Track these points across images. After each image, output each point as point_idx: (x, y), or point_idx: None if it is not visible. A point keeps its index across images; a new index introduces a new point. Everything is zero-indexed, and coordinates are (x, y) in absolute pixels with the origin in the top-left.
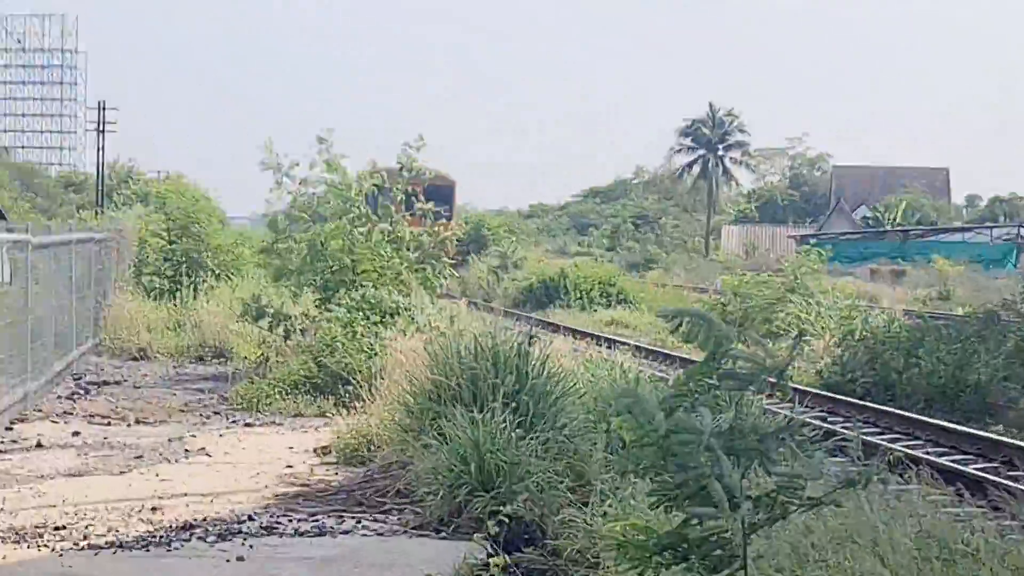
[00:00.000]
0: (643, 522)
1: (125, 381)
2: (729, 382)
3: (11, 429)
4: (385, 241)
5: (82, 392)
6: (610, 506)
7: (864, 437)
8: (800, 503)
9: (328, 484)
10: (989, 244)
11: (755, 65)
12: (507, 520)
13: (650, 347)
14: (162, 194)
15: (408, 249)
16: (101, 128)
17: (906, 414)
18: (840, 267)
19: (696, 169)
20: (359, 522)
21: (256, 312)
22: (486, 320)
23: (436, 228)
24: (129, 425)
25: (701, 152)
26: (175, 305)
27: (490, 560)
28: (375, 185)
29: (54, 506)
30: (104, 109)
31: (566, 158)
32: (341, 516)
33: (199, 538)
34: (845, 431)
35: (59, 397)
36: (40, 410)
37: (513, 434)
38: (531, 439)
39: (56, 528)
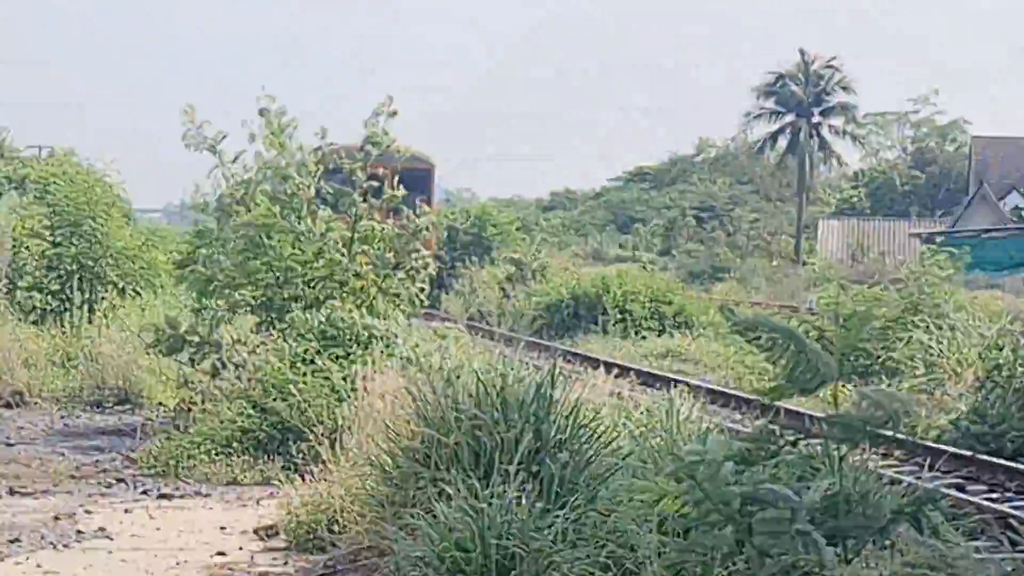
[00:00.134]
0: None
1: None
2: (835, 433)
3: None
4: (351, 239)
5: None
6: None
7: (1017, 513)
8: None
9: None
10: None
11: None
12: None
13: (720, 388)
14: (44, 178)
15: (378, 251)
16: None
17: None
18: (983, 276)
19: (783, 142)
20: None
21: (172, 341)
22: (494, 352)
23: (409, 219)
24: (0, 497)
25: (790, 118)
26: (63, 331)
27: None
28: (330, 167)
29: None
30: None
31: (600, 128)
32: None
33: None
34: (991, 504)
35: None
36: None
37: (532, 511)
38: (557, 518)
39: None
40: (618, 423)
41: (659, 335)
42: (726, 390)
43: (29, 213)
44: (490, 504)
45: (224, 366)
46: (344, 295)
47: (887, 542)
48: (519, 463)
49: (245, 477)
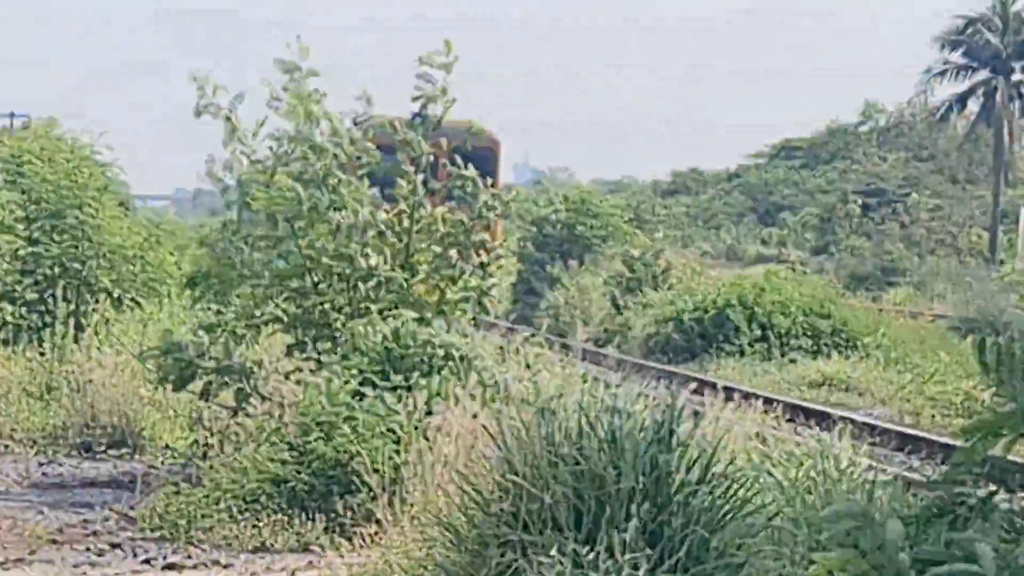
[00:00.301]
0: None
1: None
2: None
3: None
4: (408, 232)
5: None
6: None
7: None
8: None
9: None
10: None
11: None
12: None
13: (892, 426)
14: (16, 156)
15: (442, 246)
16: None
17: None
18: None
19: (973, 106)
20: None
21: (183, 369)
22: (599, 379)
23: (474, 197)
24: None
25: (983, 76)
26: (41, 354)
27: None
28: (374, 143)
29: None
30: None
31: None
32: None
33: None
34: None
35: None
36: None
37: None
38: None
39: None
40: (760, 472)
41: (813, 357)
42: (901, 428)
43: None
44: None
45: (249, 398)
46: (404, 303)
47: None
48: (633, 524)
49: (276, 542)
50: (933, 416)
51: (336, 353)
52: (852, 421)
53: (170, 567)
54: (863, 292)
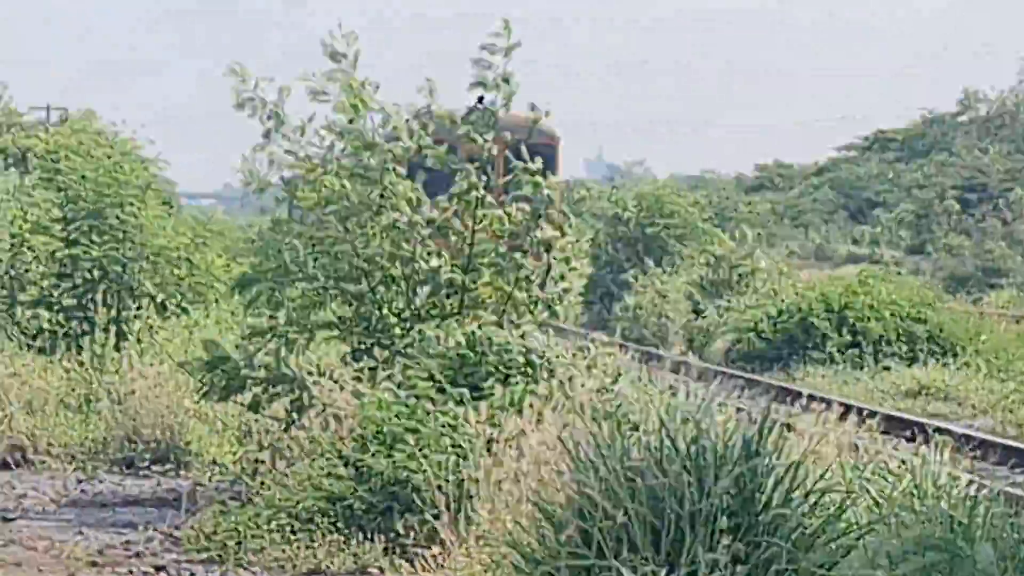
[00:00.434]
0: None
1: None
2: None
3: None
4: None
5: None
6: None
7: None
8: None
9: None
10: None
11: None
12: None
13: (994, 438)
14: (53, 151)
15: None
16: None
17: None
18: None
19: None
20: None
21: (229, 379)
22: (676, 388)
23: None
24: None
25: None
26: (80, 363)
27: None
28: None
29: None
30: None
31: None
32: None
33: None
34: None
35: None
36: None
37: None
38: None
39: None
40: (853, 488)
41: (908, 364)
42: (1004, 441)
43: (34, 200)
44: None
45: (304, 410)
46: (468, 307)
47: None
48: (718, 544)
49: (332, 564)
50: None
51: (395, 362)
52: (950, 433)
53: None
54: (963, 294)
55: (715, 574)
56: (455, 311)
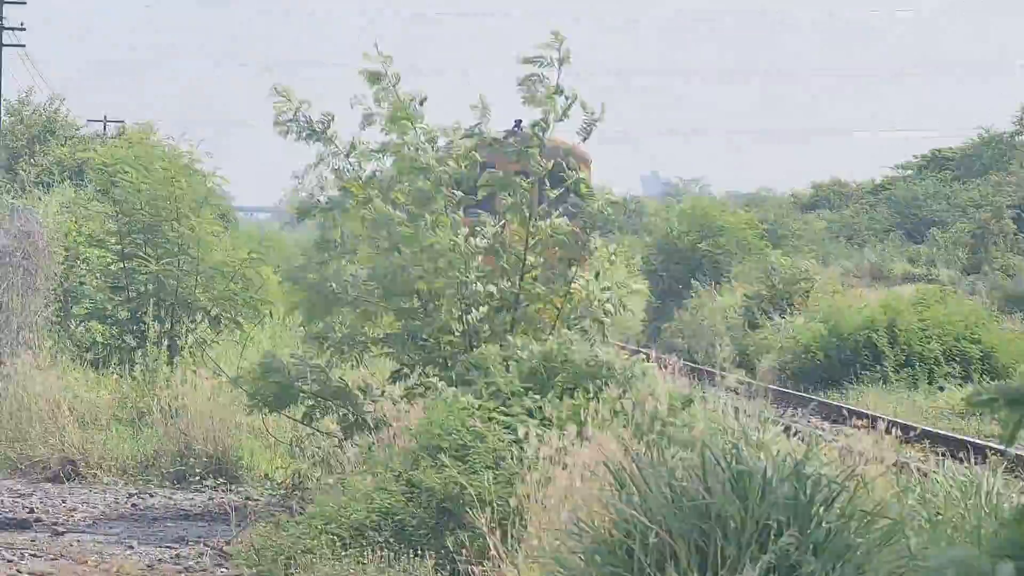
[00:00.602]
0: None
1: (38, 522)
2: None
3: None
4: (524, 249)
5: None
6: None
7: None
8: None
9: None
10: None
11: None
12: None
13: None
14: (109, 164)
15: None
16: None
17: None
18: None
19: None
20: None
21: (281, 390)
22: (729, 407)
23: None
24: None
25: None
26: (133, 377)
27: None
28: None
29: None
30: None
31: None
32: None
33: None
34: None
35: None
36: None
37: None
38: None
39: None
40: (904, 508)
41: (961, 384)
42: None
43: (89, 213)
44: None
45: (355, 424)
46: (520, 323)
47: None
48: (766, 559)
49: None
50: None
51: (445, 377)
52: (1001, 453)
53: None
54: (1020, 315)
55: None
56: (507, 327)
